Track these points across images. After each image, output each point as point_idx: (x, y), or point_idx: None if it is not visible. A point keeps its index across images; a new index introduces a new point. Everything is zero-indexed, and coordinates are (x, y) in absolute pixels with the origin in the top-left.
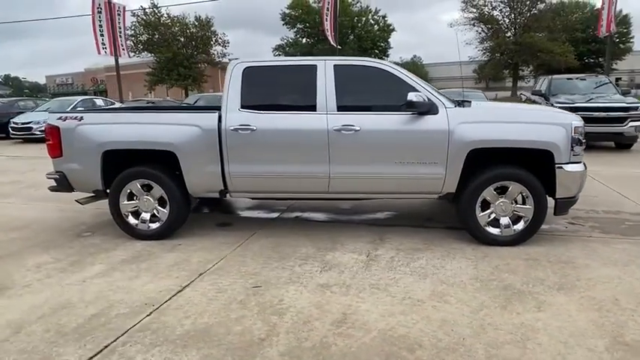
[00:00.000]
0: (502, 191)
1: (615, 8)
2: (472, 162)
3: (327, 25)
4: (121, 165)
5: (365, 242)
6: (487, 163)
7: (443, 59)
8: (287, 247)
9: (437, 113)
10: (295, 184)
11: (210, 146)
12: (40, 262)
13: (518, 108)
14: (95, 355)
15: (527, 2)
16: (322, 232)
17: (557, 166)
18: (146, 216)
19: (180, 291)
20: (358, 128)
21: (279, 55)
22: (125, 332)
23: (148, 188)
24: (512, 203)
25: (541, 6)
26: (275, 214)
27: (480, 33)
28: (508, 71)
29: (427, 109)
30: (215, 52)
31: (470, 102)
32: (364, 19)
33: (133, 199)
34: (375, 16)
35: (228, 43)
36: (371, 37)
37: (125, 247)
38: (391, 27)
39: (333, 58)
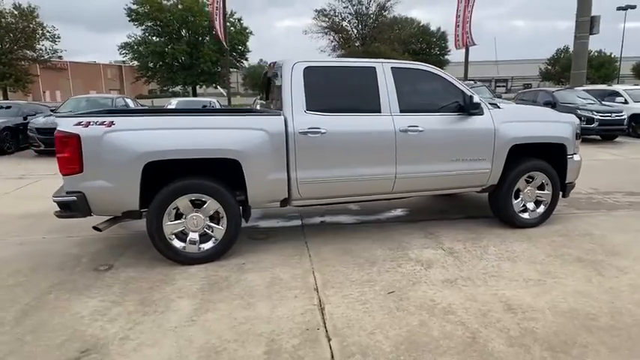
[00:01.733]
0: (528, 180)
1: (470, 26)
2: (509, 156)
3: (218, 26)
4: (159, 179)
5: (421, 238)
6: (518, 157)
7: None
8: (358, 252)
9: (483, 114)
10: (362, 186)
11: (276, 151)
12: (96, 308)
13: (534, 109)
14: None
15: (372, 15)
16: (366, 233)
17: (568, 156)
18: (195, 236)
19: (323, 308)
20: (422, 129)
21: (127, 54)
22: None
23: (197, 204)
24: (536, 190)
25: (383, 20)
26: (297, 222)
27: (332, 41)
28: None
29: (481, 110)
30: (43, 48)
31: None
32: None
33: (180, 218)
34: (232, 18)
35: (59, 38)
36: (229, 39)
37: (181, 276)
38: (248, 30)
39: (388, 60)
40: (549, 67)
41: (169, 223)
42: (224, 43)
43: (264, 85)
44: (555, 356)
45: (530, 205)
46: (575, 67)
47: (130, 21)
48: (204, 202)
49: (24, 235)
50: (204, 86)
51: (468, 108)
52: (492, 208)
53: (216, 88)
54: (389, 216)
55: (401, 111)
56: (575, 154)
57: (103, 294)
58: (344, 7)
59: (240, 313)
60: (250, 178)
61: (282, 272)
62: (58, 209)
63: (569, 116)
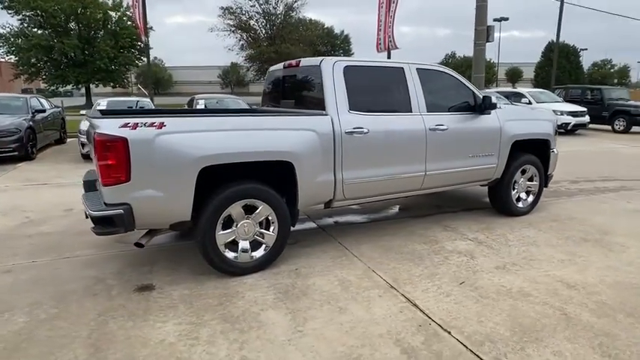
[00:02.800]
0: (522, 173)
1: (392, 31)
2: (510, 152)
3: (137, 18)
4: (206, 186)
5: (441, 231)
6: (515, 153)
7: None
8: (398, 248)
9: (490, 113)
10: (398, 184)
11: (325, 152)
12: (179, 332)
13: (524, 109)
14: None
15: (280, 15)
16: (389, 230)
17: (550, 150)
18: (246, 245)
19: (415, 304)
20: (446, 127)
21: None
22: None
23: (249, 210)
24: (527, 182)
25: (291, 20)
26: (312, 224)
27: (240, 40)
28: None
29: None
30: None
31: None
32: (118, 14)
33: (229, 227)
34: (129, 12)
35: None
36: (128, 35)
37: (242, 288)
38: (148, 25)
39: (412, 62)
40: None
41: (222, 232)
42: (143, 38)
43: (272, 85)
44: (639, 321)
45: (523, 195)
46: (475, 71)
47: (2, 8)
48: (256, 208)
49: (12, 259)
50: (100, 85)
51: (479, 107)
52: (492, 200)
53: (114, 87)
54: (394, 213)
55: (427, 110)
56: (554, 148)
57: (173, 316)
58: (251, 6)
59: (341, 317)
60: (301, 181)
61: (343, 274)
62: (96, 225)
63: (549, 115)
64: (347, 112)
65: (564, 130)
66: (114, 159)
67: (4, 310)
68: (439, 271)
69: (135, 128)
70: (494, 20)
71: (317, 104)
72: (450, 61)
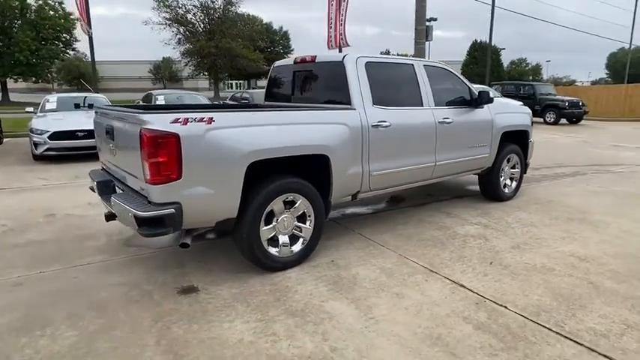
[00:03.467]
0: (507, 162)
1: (344, 28)
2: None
3: (80, 6)
4: (250, 180)
5: (446, 217)
6: (502, 143)
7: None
8: (417, 235)
9: (483, 107)
10: (412, 174)
11: (355, 145)
12: (253, 329)
13: (509, 102)
14: None
15: (219, 10)
16: (398, 219)
17: (529, 140)
18: (286, 239)
19: (463, 285)
20: (451, 120)
21: None
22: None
23: (287, 204)
24: (511, 169)
25: (230, 15)
26: None
27: (177, 34)
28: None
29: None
30: None
31: None
32: (38, 2)
33: (271, 222)
34: (50, 1)
35: None
36: (52, 26)
37: (289, 282)
38: (72, 16)
39: (419, 59)
40: None
41: (265, 228)
42: (85, 31)
43: (278, 80)
44: None
45: (508, 182)
46: None
47: None
48: (295, 202)
49: (14, 272)
50: (20, 80)
51: (475, 102)
52: (483, 187)
53: (36, 82)
54: (394, 203)
55: (435, 105)
56: (531, 138)
57: (236, 315)
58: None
59: (402, 302)
60: (335, 173)
61: (379, 262)
62: (143, 226)
63: (526, 108)
64: (371, 106)
65: None
66: (165, 156)
67: (44, 326)
68: (465, 254)
69: (186, 124)
70: (428, 20)
71: (341, 99)
72: None
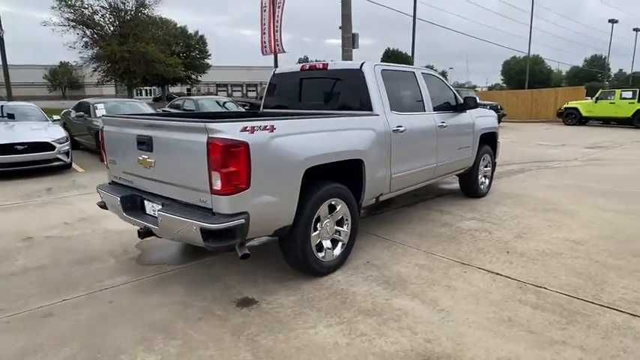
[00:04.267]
0: (482, 161)
1: (280, 34)
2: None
3: None
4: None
5: (442, 214)
6: (479, 144)
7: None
8: (427, 233)
9: (466, 112)
10: (420, 176)
11: (381, 149)
12: (341, 331)
13: (483, 108)
14: None
15: (131, 12)
16: (398, 219)
17: (497, 141)
18: (329, 243)
19: (499, 274)
20: (446, 124)
21: None
22: None
23: (330, 209)
24: (484, 168)
25: (142, 17)
26: None
27: (83, 37)
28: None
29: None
30: None
31: None
32: None
33: (317, 228)
34: None
35: None
36: None
37: (342, 285)
38: None
39: (418, 67)
40: None
41: (314, 233)
42: None
43: (281, 87)
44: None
45: (482, 179)
46: None
47: None
48: (335, 207)
49: (32, 302)
50: None
51: (460, 107)
52: (464, 185)
53: None
54: (384, 204)
55: (433, 110)
56: (499, 139)
57: (313, 321)
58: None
59: (458, 293)
60: (368, 177)
61: (412, 260)
62: (210, 239)
63: (492, 112)
64: (390, 111)
65: None
66: (236, 165)
67: (116, 354)
68: (481, 247)
69: (253, 132)
70: (340, 28)
71: (359, 105)
72: None
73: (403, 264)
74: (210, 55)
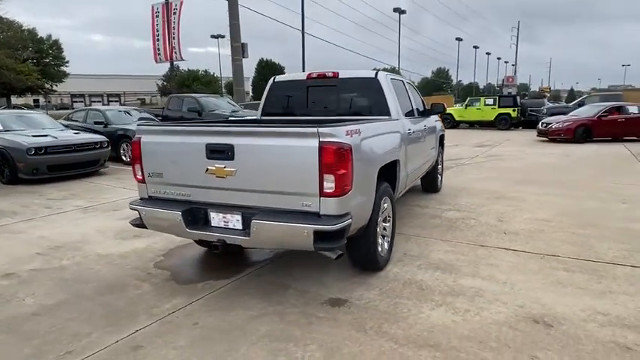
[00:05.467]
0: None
1: (178, 41)
2: None
3: None
4: None
5: (424, 209)
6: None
7: None
8: (426, 224)
9: (430, 116)
10: (415, 175)
11: (403, 150)
12: (452, 312)
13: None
14: None
15: None
16: None
17: (444, 142)
18: (381, 239)
19: (519, 250)
20: (427, 127)
21: None
22: None
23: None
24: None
25: None
26: None
27: None
28: None
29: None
30: None
31: None
32: None
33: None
34: None
35: None
36: None
37: (404, 278)
38: None
39: (401, 77)
40: (166, 84)
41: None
42: None
43: (284, 94)
44: (598, 227)
45: (439, 176)
46: (236, 84)
47: None
48: (384, 205)
49: (100, 338)
50: None
51: (428, 111)
52: (427, 182)
53: None
54: None
55: (418, 114)
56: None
57: (416, 308)
58: None
59: (503, 269)
60: (400, 176)
61: (439, 248)
62: (320, 241)
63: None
64: (403, 115)
65: None
66: (345, 167)
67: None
68: (480, 231)
69: (351, 135)
70: (212, 37)
71: (377, 111)
72: (176, 74)
73: (435, 252)
74: (67, 62)
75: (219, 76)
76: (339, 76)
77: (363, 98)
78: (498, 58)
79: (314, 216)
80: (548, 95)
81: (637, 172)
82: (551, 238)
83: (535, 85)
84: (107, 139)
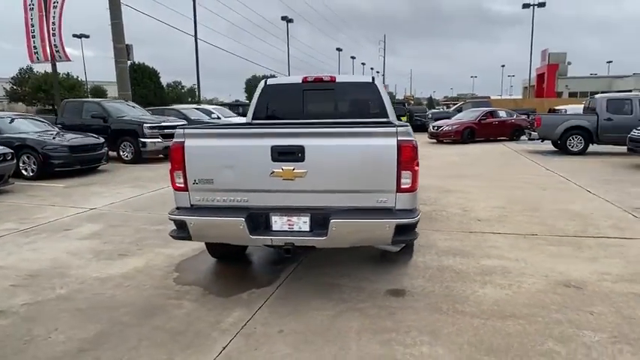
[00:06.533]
0: None
1: (59, 39)
2: None
3: None
4: None
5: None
6: None
7: None
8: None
9: None
10: None
11: None
12: (503, 294)
13: None
14: None
15: None
16: None
17: None
18: None
19: (533, 234)
20: None
21: None
22: None
23: None
24: None
25: None
26: None
27: None
28: None
29: None
30: None
31: None
32: None
33: None
34: None
35: None
36: None
37: (436, 263)
38: None
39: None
40: (16, 88)
41: None
42: None
43: (279, 98)
44: (545, 210)
45: None
46: (121, 88)
47: None
48: None
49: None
50: None
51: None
52: None
53: None
54: None
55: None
56: None
57: (467, 287)
58: None
59: (515, 250)
60: None
61: (444, 237)
62: (399, 234)
63: None
64: (395, 119)
65: None
66: (418, 164)
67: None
68: (457, 220)
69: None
70: (74, 36)
71: (374, 114)
72: (28, 76)
73: (439, 241)
74: None
75: (83, 79)
76: (337, 81)
77: (361, 102)
78: (372, 68)
79: (389, 211)
80: (413, 102)
81: (528, 164)
82: (517, 221)
83: (400, 93)
84: (11, 151)
